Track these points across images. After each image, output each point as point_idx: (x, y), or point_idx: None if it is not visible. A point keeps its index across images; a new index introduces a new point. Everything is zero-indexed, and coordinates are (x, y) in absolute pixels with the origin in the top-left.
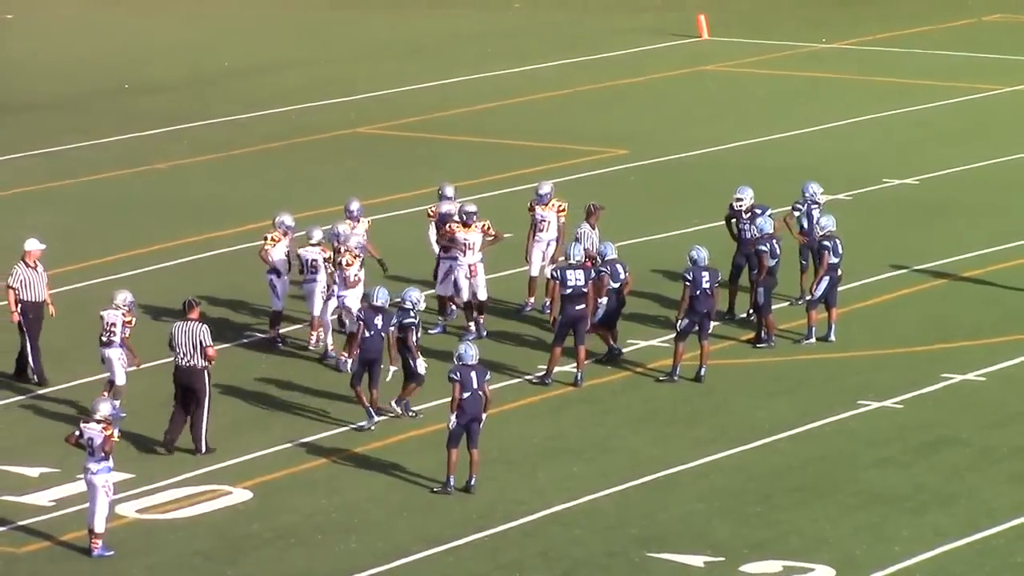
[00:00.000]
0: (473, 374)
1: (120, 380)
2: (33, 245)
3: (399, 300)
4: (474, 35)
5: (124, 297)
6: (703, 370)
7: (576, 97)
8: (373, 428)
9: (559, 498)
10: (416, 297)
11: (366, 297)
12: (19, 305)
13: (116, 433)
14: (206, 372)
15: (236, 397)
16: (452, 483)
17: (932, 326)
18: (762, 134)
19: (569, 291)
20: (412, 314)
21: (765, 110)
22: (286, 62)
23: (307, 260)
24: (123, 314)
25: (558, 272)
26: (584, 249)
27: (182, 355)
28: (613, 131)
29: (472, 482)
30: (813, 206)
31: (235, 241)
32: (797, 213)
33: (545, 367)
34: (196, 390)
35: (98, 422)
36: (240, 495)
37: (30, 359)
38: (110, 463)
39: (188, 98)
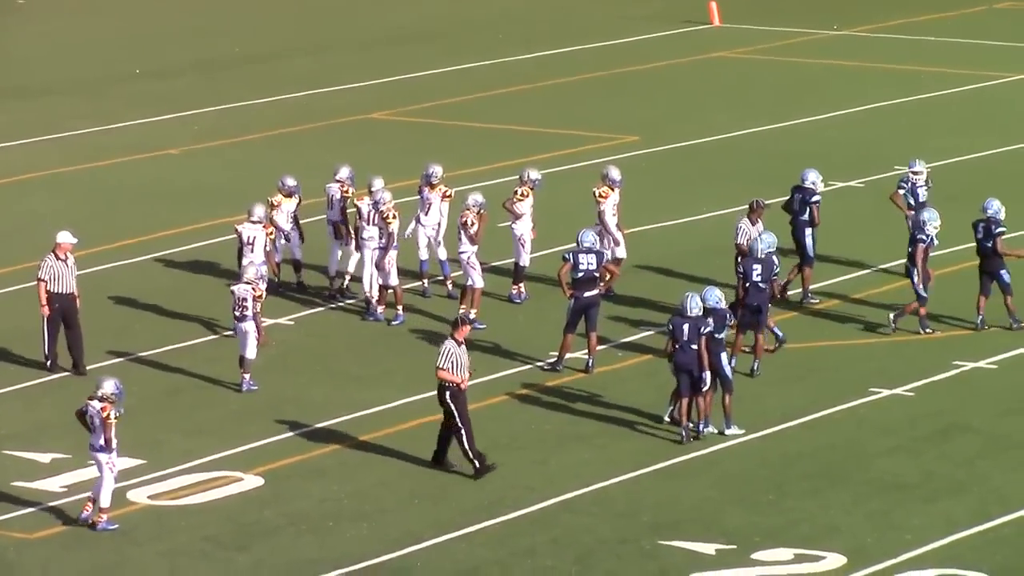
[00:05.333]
0: (686, 327)
1: (251, 354)
2: (65, 238)
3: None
4: (486, 21)
5: (255, 271)
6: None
7: (587, 84)
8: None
9: (570, 485)
10: (718, 296)
11: (703, 301)
12: (48, 297)
13: (114, 414)
14: (447, 391)
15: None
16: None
17: (943, 314)
18: (773, 121)
19: (580, 275)
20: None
21: (776, 97)
22: (298, 48)
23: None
24: (252, 288)
25: (570, 255)
26: (737, 244)
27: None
28: (624, 118)
29: (703, 427)
30: (916, 180)
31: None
32: (902, 190)
33: (556, 353)
34: (443, 407)
35: (100, 400)
36: (251, 481)
37: (46, 348)
38: (107, 444)
39: (200, 83)
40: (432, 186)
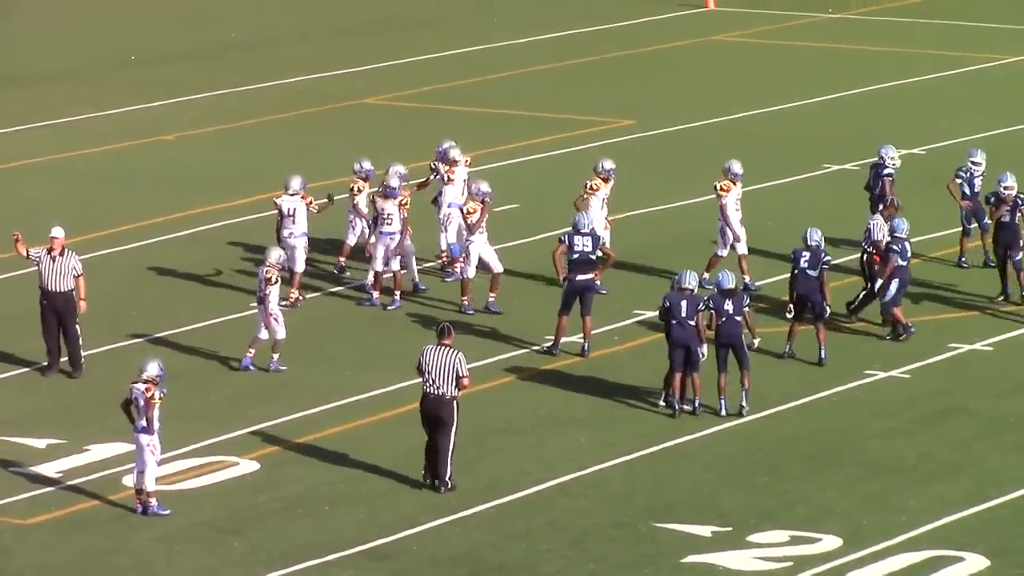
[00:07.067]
0: (683, 303)
1: (264, 335)
2: (54, 232)
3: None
4: (480, 5)
5: (278, 255)
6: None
7: (583, 67)
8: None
9: (566, 468)
10: (733, 279)
11: (719, 284)
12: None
13: (158, 395)
14: (455, 403)
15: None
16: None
17: (939, 296)
18: (769, 104)
19: (576, 256)
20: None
21: (772, 80)
22: (292, 33)
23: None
24: (267, 270)
25: (565, 237)
26: (874, 242)
27: (431, 382)
28: (620, 102)
29: (697, 403)
30: (975, 171)
31: (242, 212)
32: (959, 180)
33: (552, 337)
34: (444, 420)
35: (144, 382)
36: (247, 466)
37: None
38: (148, 425)
39: (195, 69)
40: (451, 167)
